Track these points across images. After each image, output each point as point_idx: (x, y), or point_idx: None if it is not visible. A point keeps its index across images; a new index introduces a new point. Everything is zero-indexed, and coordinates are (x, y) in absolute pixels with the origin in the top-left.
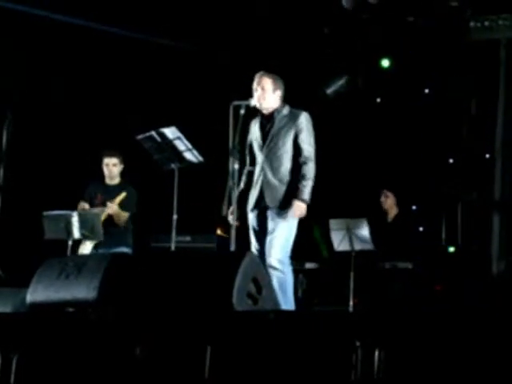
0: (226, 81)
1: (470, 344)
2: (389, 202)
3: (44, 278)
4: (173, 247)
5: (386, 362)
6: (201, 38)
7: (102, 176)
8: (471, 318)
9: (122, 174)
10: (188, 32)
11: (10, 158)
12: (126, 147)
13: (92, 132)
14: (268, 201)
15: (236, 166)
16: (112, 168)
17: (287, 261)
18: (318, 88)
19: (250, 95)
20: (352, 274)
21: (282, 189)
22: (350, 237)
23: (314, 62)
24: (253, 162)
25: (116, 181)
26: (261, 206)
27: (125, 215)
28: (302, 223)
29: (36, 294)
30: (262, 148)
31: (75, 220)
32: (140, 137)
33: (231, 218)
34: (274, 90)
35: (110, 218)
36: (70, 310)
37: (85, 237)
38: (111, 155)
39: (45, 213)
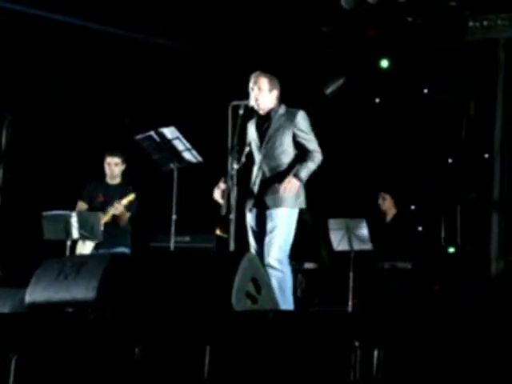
0: (225, 81)
1: (469, 344)
2: (387, 204)
3: (43, 279)
4: (172, 247)
5: (384, 362)
6: (200, 38)
7: (102, 175)
8: (470, 318)
9: (124, 174)
10: (187, 32)
11: (10, 159)
12: (124, 147)
13: (91, 132)
14: (267, 200)
15: (235, 166)
16: (114, 167)
17: (286, 260)
18: (317, 88)
19: (248, 95)
20: (351, 274)
21: (281, 188)
22: (349, 237)
23: (313, 62)
24: (249, 162)
25: (117, 180)
26: (260, 206)
27: (127, 215)
28: (302, 224)
29: (35, 294)
30: (259, 148)
31: (74, 220)
32: (139, 137)
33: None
34: (271, 89)
35: (112, 218)
36: (69, 310)
37: (84, 237)
38: (113, 154)
39: (44, 213)
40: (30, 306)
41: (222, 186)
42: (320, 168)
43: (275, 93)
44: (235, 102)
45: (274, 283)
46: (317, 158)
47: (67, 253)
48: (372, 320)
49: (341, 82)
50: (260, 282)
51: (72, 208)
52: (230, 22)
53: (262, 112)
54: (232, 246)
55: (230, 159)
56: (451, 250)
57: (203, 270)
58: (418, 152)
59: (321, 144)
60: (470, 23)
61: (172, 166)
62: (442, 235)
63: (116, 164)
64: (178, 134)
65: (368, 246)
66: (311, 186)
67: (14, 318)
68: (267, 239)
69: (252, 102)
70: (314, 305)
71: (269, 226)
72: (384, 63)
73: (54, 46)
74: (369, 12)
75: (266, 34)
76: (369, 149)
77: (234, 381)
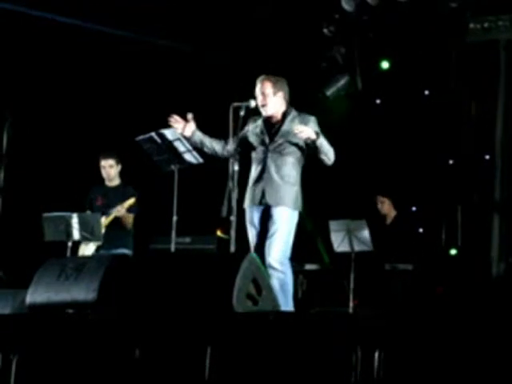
0: (226, 82)
1: (470, 346)
2: (386, 207)
3: (44, 280)
4: (173, 249)
5: (385, 363)
6: (200, 40)
7: (102, 178)
8: (471, 320)
9: (121, 174)
10: (188, 33)
11: (10, 160)
12: (125, 149)
13: (92, 134)
14: (269, 198)
15: (236, 168)
16: (109, 170)
17: (287, 262)
18: (318, 89)
19: (249, 96)
20: (352, 276)
21: (283, 187)
22: (349, 238)
23: (314, 63)
24: (243, 159)
25: (115, 182)
26: (262, 203)
27: (131, 217)
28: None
29: (36, 295)
30: (266, 145)
31: (75, 222)
32: (140, 138)
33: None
34: (275, 92)
35: (113, 220)
36: (70, 311)
37: (84, 238)
38: (107, 157)
39: (45, 214)
40: (31, 306)
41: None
42: (320, 169)
43: (281, 94)
44: (236, 104)
45: (275, 284)
46: (331, 151)
47: (68, 254)
48: (373, 321)
49: (342, 83)
50: (261, 284)
51: (73, 209)
52: (231, 23)
53: (274, 120)
54: (233, 248)
55: (230, 160)
56: (452, 251)
57: (204, 271)
58: (418, 153)
59: None
60: (471, 24)
61: (173, 167)
62: (443, 237)
63: (111, 166)
64: (178, 135)
65: (369, 248)
66: (312, 187)
67: (15, 319)
68: (268, 241)
69: (260, 109)
70: (314, 306)
71: (270, 227)
72: (384, 64)
73: (54, 47)
74: (370, 13)
75: (267, 36)
76: (370, 150)
77: (235, 382)
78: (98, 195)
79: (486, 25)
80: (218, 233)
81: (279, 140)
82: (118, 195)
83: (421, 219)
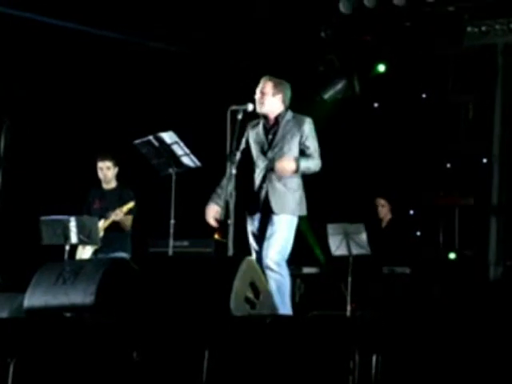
0: (224, 85)
1: (468, 349)
2: (384, 210)
3: (41, 283)
4: (170, 252)
5: (383, 367)
6: (198, 43)
7: (99, 182)
8: (469, 323)
9: (118, 176)
10: (186, 36)
11: (8, 164)
12: (123, 152)
13: (90, 137)
14: (274, 206)
15: (234, 171)
16: (106, 172)
17: (284, 264)
18: (316, 93)
19: (247, 100)
20: (350, 279)
21: (287, 194)
22: (347, 242)
23: (312, 66)
24: (244, 166)
25: (112, 185)
26: (264, 211)
27: (130, 218)
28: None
29: (33, 299)
30: (266, 152)
31: (73, 225)
32: (137, 142)
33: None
34: (274, 93)
35: (111, 223)
36: (68, 314)
37: (82, 242)
38: (104, 158)
39: (42, 218)
40: (29, 310)
41: (213, 207)
42: (319, 172)
43: (280, 97)
44: (234, 107)
45: (273, 286)
46: (316, 165)
47: (66, 257)
48: (370, 325)
49: (339, 86)
50: (259, 287)
51: (70, 213)
52: (229, 26)
53: (266, 115)
54: (231, 251)
55: (228, 164)
56: (450, 255)
57: (202, 274)
58: (416, 157)
59: (320, 146)
60: (468, 28)
61: (170, 170)
62: (441, 240)
63: (108, 168)
64: (176, 138)
65: (366, 251)
66: (309, 190)
67: (13, 323)
68: (266, 243)
69: (257, 108)
70: (312, 309)
71: (268, 230)
72: (381, 68)
73: (52, 51)
74: (367, 16)
75: (265, 39)
76: (367, 153)
77: None
78: (95, 198)
79: (483, 28)
80: (216, 236)
81: (276, 147)
82: (115, 198)
83: (418, 222)
